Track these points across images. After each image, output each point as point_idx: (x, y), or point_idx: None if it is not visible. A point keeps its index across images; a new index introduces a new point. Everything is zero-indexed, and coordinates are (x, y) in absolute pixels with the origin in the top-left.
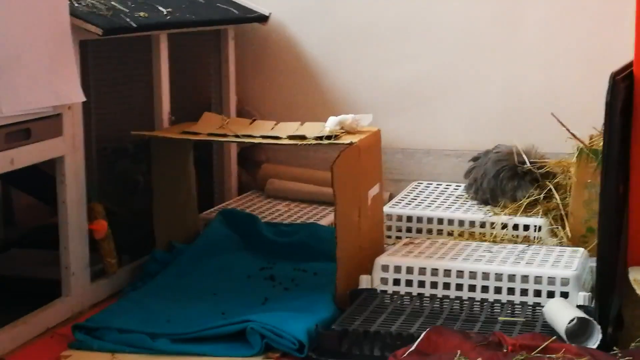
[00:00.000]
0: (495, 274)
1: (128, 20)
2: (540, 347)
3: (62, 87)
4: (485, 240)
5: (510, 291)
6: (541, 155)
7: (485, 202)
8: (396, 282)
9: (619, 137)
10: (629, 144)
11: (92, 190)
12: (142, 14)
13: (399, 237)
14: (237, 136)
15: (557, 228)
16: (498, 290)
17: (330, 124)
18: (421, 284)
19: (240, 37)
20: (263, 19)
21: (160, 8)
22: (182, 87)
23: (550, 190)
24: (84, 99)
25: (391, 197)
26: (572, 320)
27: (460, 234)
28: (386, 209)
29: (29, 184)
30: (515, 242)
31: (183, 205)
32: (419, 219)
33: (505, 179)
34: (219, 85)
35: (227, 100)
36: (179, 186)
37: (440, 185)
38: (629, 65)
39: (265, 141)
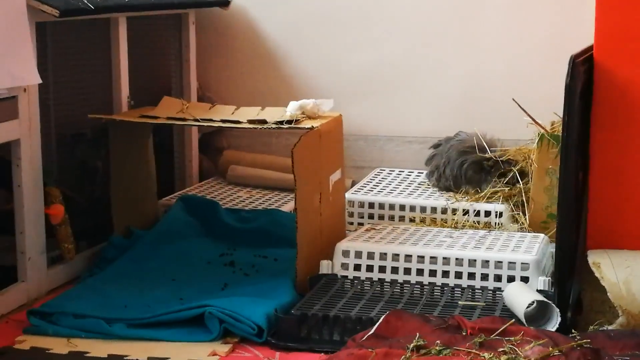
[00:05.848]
0: (456, 258)
1: (86, 2)
2: (499, 330)
3: (18, 69)
4: (446, 227)
5: (471, 276)
6: (499, 141)
7: (447, 189)
8: (357, 267)
9: (579, 121)
10: (589, 128)
11: (51, 175)
12: None
13: (361, 224)
14: (196, 120)
15: (518, 214)
16: (459, 275)
17: (291, 109)
18: (382, 269)
19: (201, 22)
20: (224, 3)
21: None
22: (142, 72)
23: (512, 177)
24: (40, 80)
25: (354, 184)
26: (531, 303)
27: (422, 220)
28: (348, 195)
29: None
30: (477, 228)
31: (142, 190)
32: (381, 206)
33: (471, 171)
34: (179, 70)
35: (188, 86)
36: (138, 171)
37: (403, 172)
38: (589, 48)
39: (225, 125)
